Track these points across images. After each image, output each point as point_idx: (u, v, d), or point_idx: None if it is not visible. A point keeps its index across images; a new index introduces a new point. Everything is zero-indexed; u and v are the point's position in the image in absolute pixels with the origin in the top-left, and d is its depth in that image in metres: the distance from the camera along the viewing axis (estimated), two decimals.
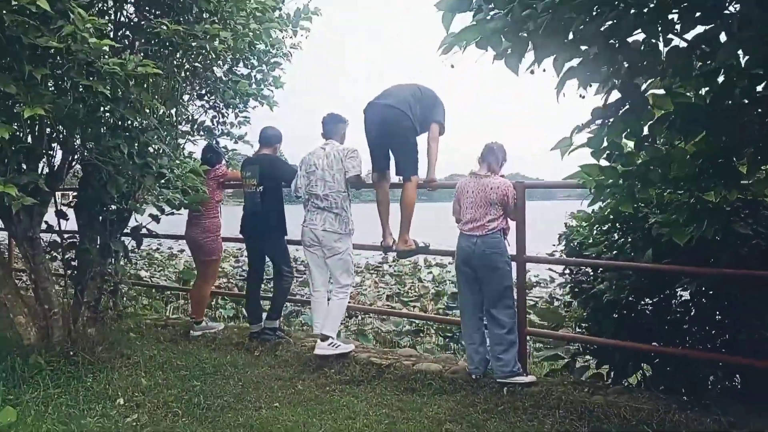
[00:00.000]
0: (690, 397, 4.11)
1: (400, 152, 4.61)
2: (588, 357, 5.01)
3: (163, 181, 4.58)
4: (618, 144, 2.82)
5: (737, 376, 4.11)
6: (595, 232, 4.64)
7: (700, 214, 2.91)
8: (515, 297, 4.33)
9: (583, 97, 2.98)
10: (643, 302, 4.30)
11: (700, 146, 2.87)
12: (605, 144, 2.83)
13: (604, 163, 3.03)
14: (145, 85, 4.22)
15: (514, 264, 4.33)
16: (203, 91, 6.04)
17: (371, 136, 4.70)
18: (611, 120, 2.62)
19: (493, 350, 4.22)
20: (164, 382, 4.30)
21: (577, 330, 5.24)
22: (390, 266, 13.67)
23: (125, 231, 5.23)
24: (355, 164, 4.75)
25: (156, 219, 5.17)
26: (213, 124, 6.21)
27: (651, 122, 2.65)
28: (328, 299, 4.86)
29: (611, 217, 4.35)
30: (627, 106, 2.55)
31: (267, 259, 5.45)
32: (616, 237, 4.45)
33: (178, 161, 4.89)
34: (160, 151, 4.36)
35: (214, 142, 5.98)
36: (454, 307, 9.76)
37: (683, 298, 4.17)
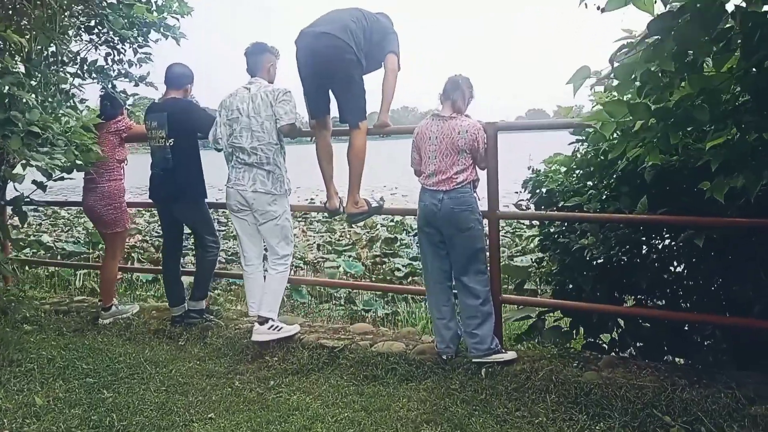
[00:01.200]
0: (682, 360, 3.71)
1: (343, 94, 3.75)
2: (559, 315, 4.49)
3: (39, 140, 3.55)
4: (654, 74, 2.11)
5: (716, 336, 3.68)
6: (572, 178, 4.02)
7: (752, 159, 2.28)
8: (488, 260, 3.69)
9: (602, 10, 2.26)
10: (631, 258, 3.75)
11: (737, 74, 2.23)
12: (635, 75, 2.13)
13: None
14: None
15: (485, 221, 3.67)
16: (92, 23, 4.92)
17: (305, 74, 3.81)
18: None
19: (466, 325, 3.58)
20: (66, 396, 3.43)
21: (546, 286, 4.71)
22: (317, 212, 12.88)
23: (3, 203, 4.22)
24: (288, 109, 3.87)
25: (41, 186, 4.17)
26: (107, 64, 5.13)
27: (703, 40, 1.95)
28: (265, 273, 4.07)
29: (598, 160, 3.71)
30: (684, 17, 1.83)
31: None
32: (592, 183, 3.83)
33: (60, 113, 3.85)
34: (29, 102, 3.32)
35: (110, 85, 4.91)
36: (390, 254, 9.21)
37: (678, 251, 3.64)
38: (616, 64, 2.29)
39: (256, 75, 4.01)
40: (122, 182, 4.59)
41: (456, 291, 3.69)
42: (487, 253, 3.70)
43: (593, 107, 4.12)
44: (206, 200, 4.42)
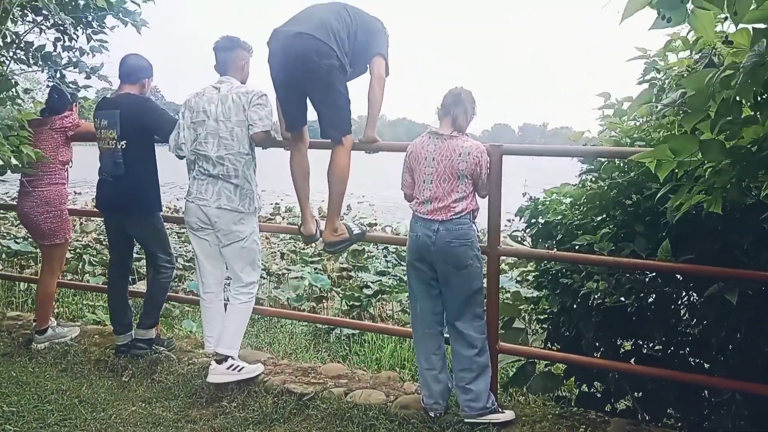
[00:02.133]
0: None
1: (324, 105, 3.20)
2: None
3: None
4: (738, 105, 1.67)
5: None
6: (576, 211, 3.59)
7: None
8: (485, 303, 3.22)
9: (667, 19, 1.82)
10: (642, 305, 3.33)
11: None
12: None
13: None
14: None
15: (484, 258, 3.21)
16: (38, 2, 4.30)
17: (279, 81, 3.26)
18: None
19: (459, 378, 3.10)
20: None
21: (537, 324, 4.28)
22: (283, 218, 12.30)
23: None
24: (263, 115, 3.35)
25: None
26: (56, 50, 4.51)
27: None
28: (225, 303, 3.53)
29: (612, 194, 3.28)
30: None
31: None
32: (600, 219, 3.40)
33: None
34: None
35: (57, 75, 4.30)
36: (360, 267, 8.72)
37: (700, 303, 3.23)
38: (679, 91, 1.85)
39: (227, 73, 3.48)
40: (65, 187, 3.99)
41: (448, 336, 3.21)
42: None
43: (601, 132, 3.73)
44: (161, 213, 3.85)
